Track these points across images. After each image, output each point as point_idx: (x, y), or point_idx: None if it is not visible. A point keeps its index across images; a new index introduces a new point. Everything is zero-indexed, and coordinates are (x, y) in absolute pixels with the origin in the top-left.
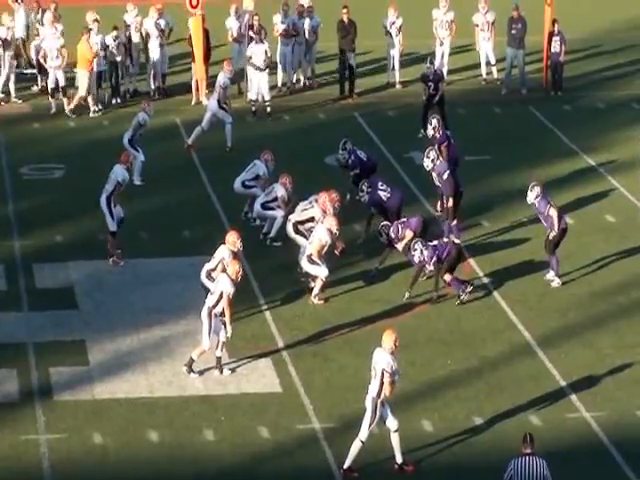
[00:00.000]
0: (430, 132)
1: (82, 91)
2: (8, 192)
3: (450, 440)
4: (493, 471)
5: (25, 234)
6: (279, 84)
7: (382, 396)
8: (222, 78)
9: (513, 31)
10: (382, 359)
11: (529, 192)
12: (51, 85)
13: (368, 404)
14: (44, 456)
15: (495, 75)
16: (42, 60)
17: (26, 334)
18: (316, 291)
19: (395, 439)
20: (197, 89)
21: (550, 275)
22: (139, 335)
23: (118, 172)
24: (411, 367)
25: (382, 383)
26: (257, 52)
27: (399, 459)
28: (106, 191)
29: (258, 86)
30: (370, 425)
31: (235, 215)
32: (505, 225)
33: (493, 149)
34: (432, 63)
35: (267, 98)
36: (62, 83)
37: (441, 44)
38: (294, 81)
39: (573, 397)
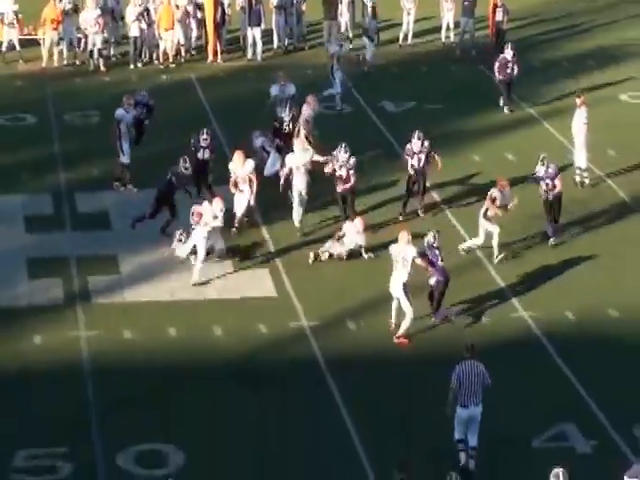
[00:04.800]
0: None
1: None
2: (54, 135)
3: (415, 336)
4: (450, 360)
5: (68, 169)
6: (274, 47)
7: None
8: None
9: (466, 3)
10: (408, 250)
11: (539, 166)
12: (90, 47)
13: (400, 292)
14: (84, 349)
15: (452, 39)
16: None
17: (69, 250)
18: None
19: (407, 321)
20: (211, 50)
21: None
22: (162, 250)
23: (117, 113)
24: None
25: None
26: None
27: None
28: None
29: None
30: (410, 304)
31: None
32: (457, 159)
33: (449, 99)
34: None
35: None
36: (98, 45)
37: (408, 14)
38: (286, 44)
39: (514, 300)
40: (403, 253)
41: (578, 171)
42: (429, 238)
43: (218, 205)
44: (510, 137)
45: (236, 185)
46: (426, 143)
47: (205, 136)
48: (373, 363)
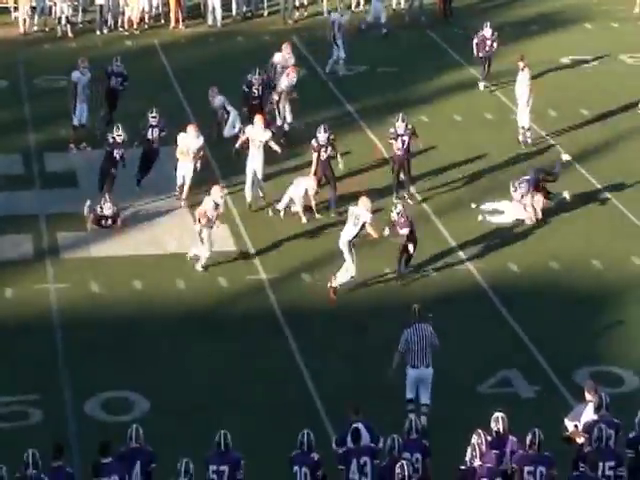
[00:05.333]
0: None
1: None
2: (24, 98)
3: (373, 286)
4: (400, 310)
5: (37, 130)
6: (233, 14)
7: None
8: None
9: None
10: (365, 215)
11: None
12: (58, 14)
13: (344, 247)
14: (53, 301)
15: (402, 6)
16: None
17: (38, 207)
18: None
19: (343, 274)
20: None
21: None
22: (127, 208)
23: (73, 75)
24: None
25: (359, 231)
26: None
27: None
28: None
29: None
30: (353, 261)
31: (198, 110)
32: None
33: (400, 63)
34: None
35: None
36: (66, 13)
37: None
38: (244, 11)
39: (460, 253)
40: (357, 214)
41: (521, 130)
42: (398, 209)
43: (217, 192)
44: (457, 99)
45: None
46: (410, 126)
47: (154, 114)
48: (327, 313)
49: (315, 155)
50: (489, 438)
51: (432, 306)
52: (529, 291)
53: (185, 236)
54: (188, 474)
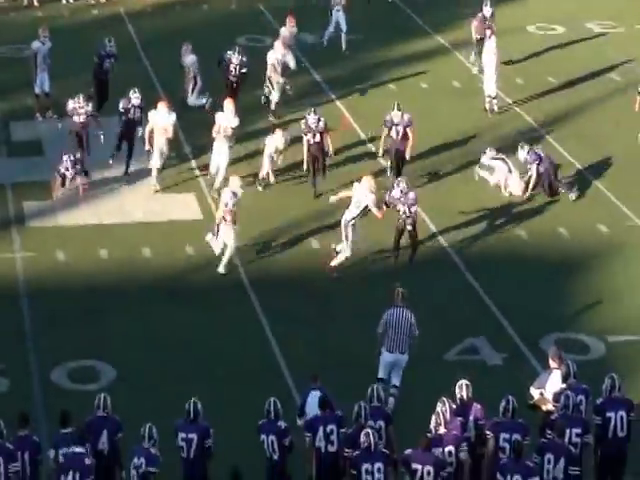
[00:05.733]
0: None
1: None
2: None
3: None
4: (367, 279)
5: (3, 99)
6: None
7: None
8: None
9: None
10: (367, 197)
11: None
12: None
13: (343, 227)
14: (19, 270)
15: None
16: None
17: (4, 176)
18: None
19: (341, 256)
20: None
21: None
22: (93, 176)
23: (33, 45)
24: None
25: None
26: None
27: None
28: None
29: None
30: (350, 242)
31: (166, 80)
32: (375, 88)
33: (366, 31)
34: None
35: None
36: None
37: None
38: None
39: (430, 224)
40: (360, 196)
41: (488, 99)
42: (402, 186)
43: (236, 182)
44: (424, 66)
45: (151, 136)
46: (406, 116)
47: (137, 94)
48: (294, 281)
49: (305, 139)
50: (453, 406)
51: (401, 274)
52: (497, 259)
53: (151, 205)
54: (152, 439)
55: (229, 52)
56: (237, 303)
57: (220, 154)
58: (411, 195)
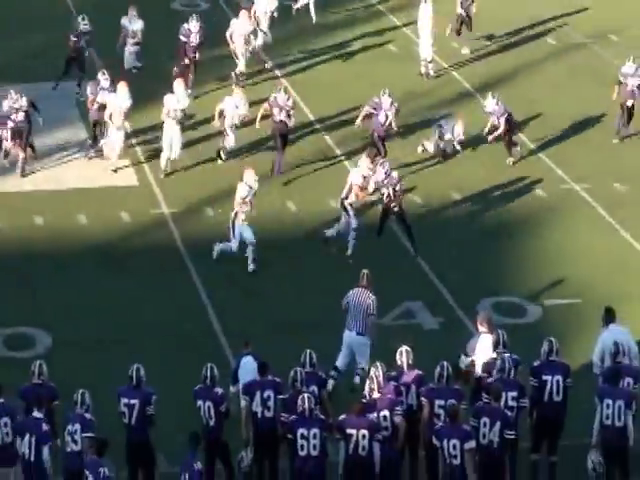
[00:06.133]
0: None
1: None
2: None
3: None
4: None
5: None
6: None
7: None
8: None
9: None
10: (352, 174)
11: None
12: None
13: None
14: None
15: None
16: None
17: None
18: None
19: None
20: None
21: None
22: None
23: None
24: None
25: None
26: None
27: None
28: None
29: None
30: (351, 217)
31: (106, 50)
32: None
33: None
34: None
35: None
36: None
37: None
38: None
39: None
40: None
41: (423, 63)
42: (387, 167)
43: (251, 176)
44: (357, 31)
45: (111, 118)
46: (396, 104)
47: (86, 21)
48: None
49: (270, 111)
50: (386, 370)
51: (337, 239)
52: (434, 224)
53: (87, 171)
54: (84, 404)
55: (185, 24)
56: (173, 270)
57: (172, 137)
58: (394, 175)
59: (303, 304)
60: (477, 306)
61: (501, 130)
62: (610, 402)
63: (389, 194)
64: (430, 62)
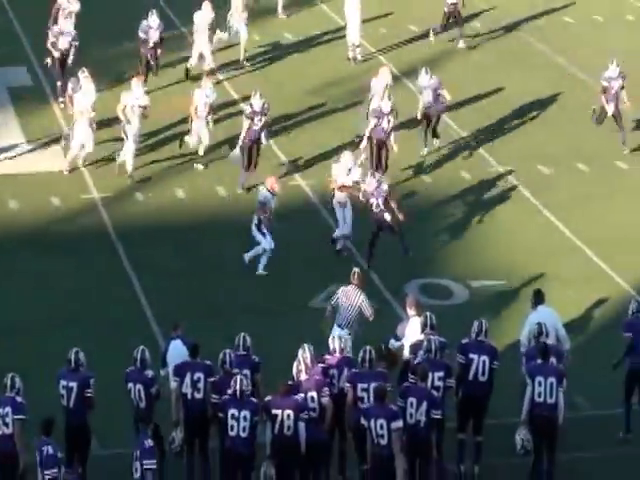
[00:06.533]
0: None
1: None
2: None
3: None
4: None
5: None
6: None
7: None
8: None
9: None
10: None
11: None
12: None
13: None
14: None
15: None
16: None
17: None
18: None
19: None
20: None
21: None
22: None
23: None
24: None
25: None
26: None
27: None
28: None
29: None
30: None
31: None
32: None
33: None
34: None
35: None
36: None
37: None
38: None
39: (295, 174)
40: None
41: (351, 47)
42: (378, 176)
43: (274, 183)
44: (289, 18)
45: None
46: (395, 108)
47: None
48: (160, 232)
49: (247, 123)
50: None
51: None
52: (360, 207)
53: (17, 157)
54: (14, 388)
55: (144, 21)
56: (104, 254)
57: (129, 138)
58: (384, 187)
59: (231, 288)
60: (405, 289)
61: (424, 102)
62: (542, 379)
63: (378, 204)
64: (358, 47)
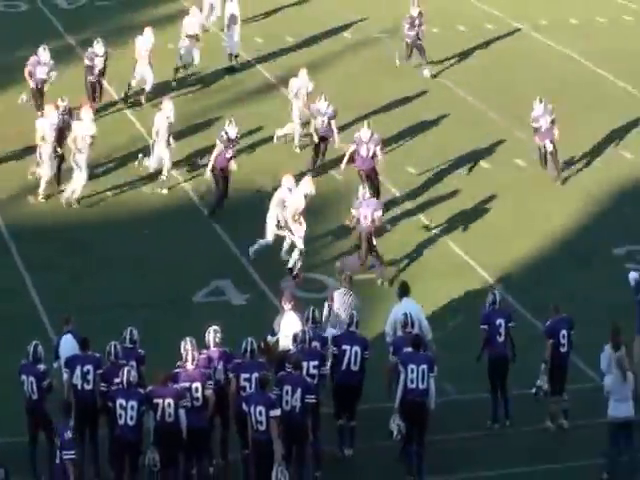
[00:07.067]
0: None
1: None
2: None
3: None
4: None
5: None
6: None
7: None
8: None
9: None
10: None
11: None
12: None
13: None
14: None
15: None
16: None
17: None
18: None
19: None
20: None
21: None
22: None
23: None
24: None
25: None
26: None
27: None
28: None
29: None
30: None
31: None
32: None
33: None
34: None
35: None
36: None
37: None
38: None
39: (175, 173)
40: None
41: (230, 57)
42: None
43: (309, 184)
44: (169, 26)
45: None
46: (376, 135)
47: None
48: (51, 231)
49: (219, 148)
50: (205, 351)
51: (147, 223)
52: (240, 204)
53: None
54: None
55: (90, 48)
56: None
57: (81, 167)
58: (372, 202)
59: (119, 285)
60: (282, 284)
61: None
62: (414, 367)
63: (366, 216)
64: (236, 57)
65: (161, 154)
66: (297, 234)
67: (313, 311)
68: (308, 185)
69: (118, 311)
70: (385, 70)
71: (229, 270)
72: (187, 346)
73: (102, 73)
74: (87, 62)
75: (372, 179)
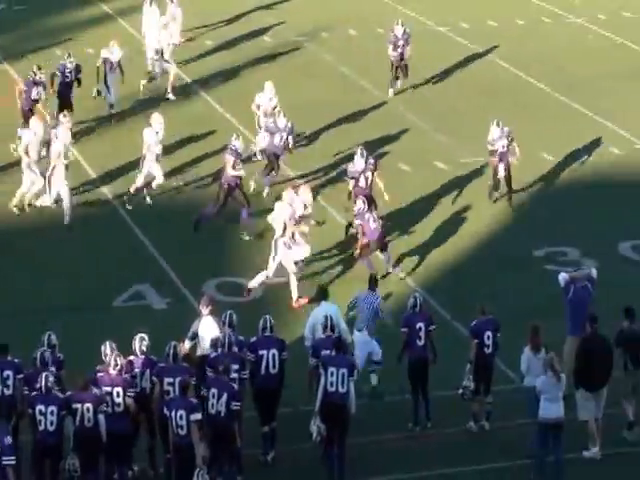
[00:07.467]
0: None
1: None
2: None
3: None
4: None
5: None
6: None
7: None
8: None
9: None
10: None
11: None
12: None
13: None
14: None
15: None
16: None
17: None
18: None
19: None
20: None
21: None
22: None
23: None
24: None
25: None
26: None
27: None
28: None
29: None
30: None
31: None
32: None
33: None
34: None
35: None
36: None
37: None
38: None
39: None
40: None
41: (150, 60)
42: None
43: (308, 193)
44: (90, 34)
45: (27, 153)
46: (371, 160)
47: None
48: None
49: (230, 162)
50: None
51: (75, 227)
52: (163, 213)
53: None
54: None
55: (62, 60)
56: None
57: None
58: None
59: (40, 288)
60: (202, 287)
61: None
62: (334, 370)
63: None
64: (157, 60)
65: (150, 169)
66: (291, 255)
67: (231, 315)
68: (306, 194)
69: (38, 315)
70: (304, 72)
71: (150, 274)
72: (106, 350)
73: (71, 85)
74: (58, 74)
75: (370, 200)
